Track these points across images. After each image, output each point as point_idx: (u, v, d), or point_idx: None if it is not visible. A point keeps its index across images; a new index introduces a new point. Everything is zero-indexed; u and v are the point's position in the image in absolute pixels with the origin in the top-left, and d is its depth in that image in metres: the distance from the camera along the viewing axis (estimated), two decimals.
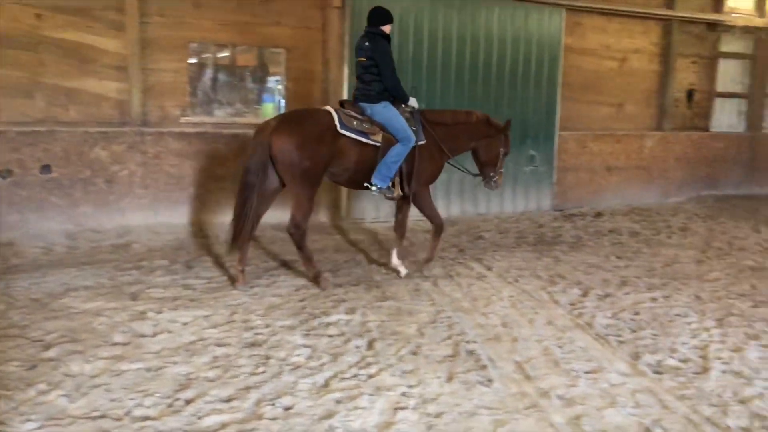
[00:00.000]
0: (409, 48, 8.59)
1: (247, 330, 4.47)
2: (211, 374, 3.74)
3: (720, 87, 11.85)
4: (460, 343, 4.31)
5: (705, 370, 3.95)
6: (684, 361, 4.10)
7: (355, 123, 5.57)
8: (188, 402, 3.40)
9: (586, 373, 3.88)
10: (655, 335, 4.55)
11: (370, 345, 4.26)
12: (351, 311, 4.93)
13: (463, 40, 8.88)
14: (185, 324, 4.54)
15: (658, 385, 3.73)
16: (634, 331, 4.63)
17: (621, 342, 4.42)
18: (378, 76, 5.60)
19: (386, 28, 5.68)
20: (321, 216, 8.42)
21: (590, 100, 10.25)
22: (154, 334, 4.33)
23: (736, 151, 11.92)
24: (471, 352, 4.17)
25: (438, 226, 6.10)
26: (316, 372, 3.81)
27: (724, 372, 3.91)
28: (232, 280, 5.61)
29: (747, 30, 11.74)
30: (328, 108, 5.64)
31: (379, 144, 5.62)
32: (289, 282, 5.70)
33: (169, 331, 4.39)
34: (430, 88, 8.77)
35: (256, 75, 8.28)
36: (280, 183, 5.49)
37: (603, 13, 10.10)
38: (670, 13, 10.58)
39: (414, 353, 4.13)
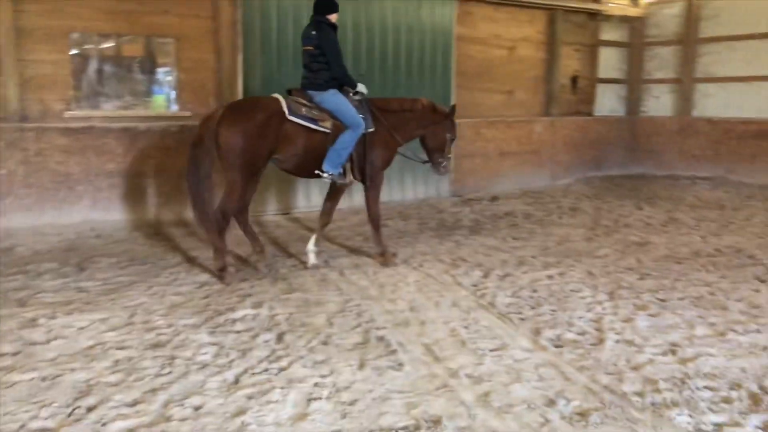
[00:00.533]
0: (299, 38, 8.48)
1: (149, 331, 4.30)
2: (113, 378, 3.57)
3: (601, 73, 12.53)
4: (370, 330, 4.34)
5: (600, 341, 4.18)
6: (581, 333, 4.32)
7: (303, 110, 5.60)
8: (90, 409, 3.23)
9: (492, 351, 4.01)
10: (553, 311, 4.76)
11: (279, 338, 4.21)
12: (258, 305, 4.85)
13: (357, 30, 8.89)
14: (81, 329, 4.31)
15: (558, 358, 3.91)
16: (533, 308, 4.82)
17: (522, 319, 4.60)
18: (325, 65, 5.64)
19: (332, 17, 5.75)
20: None
21: (483, 88, 10.55)
22: (48, 341, 4.08)
23: (617, 134, 12.67)
24: (381, 338, 4.21)
25: (374, 219, 6.10)
26: (225, 369, 3.73)
27: (617, 342, 4.15)
28: (221, 278, 5.44)
29: (623, 19, 12.46)
30: (276, 95, 5.65)
31: (328, 131, 5.64)
32: (192, 279, 5.53)
33: (64, 337, 4.15)
34: None
35: (144, 66, 7.93)
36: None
37: (492, 2, 10.41)
38: (553, 2, 11.04)
39: (324, 343, 4.12)
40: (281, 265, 6.02)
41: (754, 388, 3.44)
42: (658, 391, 3.44)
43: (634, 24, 12.67)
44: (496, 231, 7.61)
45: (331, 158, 5.63)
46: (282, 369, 3.73)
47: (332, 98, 5.68)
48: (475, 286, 5.42)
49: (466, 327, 4.42)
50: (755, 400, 3.31)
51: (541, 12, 11.10)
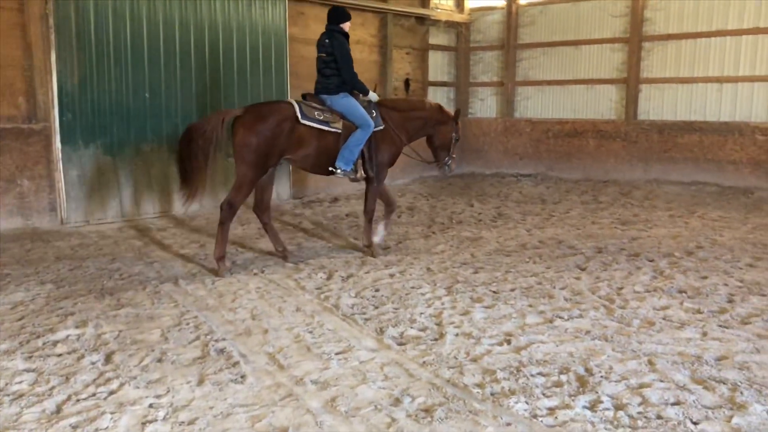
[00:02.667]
0: (126, 35, 7.97)
1: None
2: None
3: (432, 76, 13.01)
4: (209, 343, 4.12)
5: (441, 335, 4.28)
6: (423, 329, 4.40)
7: (315, 113, 6.02)
8: None
9: (337, 354, 3.97)
10: (395, 309, 4.82)
11: (108, 359, 3.87)
12: (82, 324, 4.44)
13: (185, 27, 8.50)
14: None
15: (402, 356, 3.94)
16: (377, 308, 4.85)
17: (366, 319, 4.60)
18: (337, 71, 6.11)
19: (345, 26, 6.24)
20: (35, 221, 7.48)
21: None
22: None
23: None
24: (221, 351, 4.01)
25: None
26: (45, 398, 3.35)
27: (457, 335, 4.28)
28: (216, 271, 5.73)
29: (450, 24, 13.03)
30: (290, 100, 6.09)
31: (339, 131, 6.08)
32: (2, 299, 4.95)
33: None
34: (153, 77, 8.25)
35: None
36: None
37: (324, 4, 10.39)
38: (384, 6, 11.29)
39: (159, 360, 3.85)
40: (106, 278, 5.58)
41: (581, 370, 3.68)
42: (496, 380, 3.56)
43: (460, 29, 13.30)
44: (338, 232, 7.61)
45: (343, 155, 6.09)
46: (112, 392, 3.43)
47: (343, 101, 6.14)
48: (318, 289, 5.35)
49: (310, 332, 4.34)
50: (582, 382, 3.54)
51: (372, 15, 11.31)
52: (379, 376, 3.66)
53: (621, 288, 5.31)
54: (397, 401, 3.36)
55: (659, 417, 3.14)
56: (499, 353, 3.96)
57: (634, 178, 11.42)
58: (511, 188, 11.11)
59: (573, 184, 11.33)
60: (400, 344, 4.14)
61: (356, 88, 6.21)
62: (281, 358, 3.90)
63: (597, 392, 3.40)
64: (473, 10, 13.40)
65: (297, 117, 5.89)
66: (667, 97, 11.31)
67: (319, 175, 6.50)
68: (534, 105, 12.94)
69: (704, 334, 4.25)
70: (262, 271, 5.85)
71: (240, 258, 6.34)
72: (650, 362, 3.78)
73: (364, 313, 4.73)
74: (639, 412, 3.19)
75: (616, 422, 3.09)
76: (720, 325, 4.41)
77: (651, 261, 6.18)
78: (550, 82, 12.61)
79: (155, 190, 8.42)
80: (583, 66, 12.20)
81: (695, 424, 3.07)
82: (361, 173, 6.29)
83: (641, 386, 3.47)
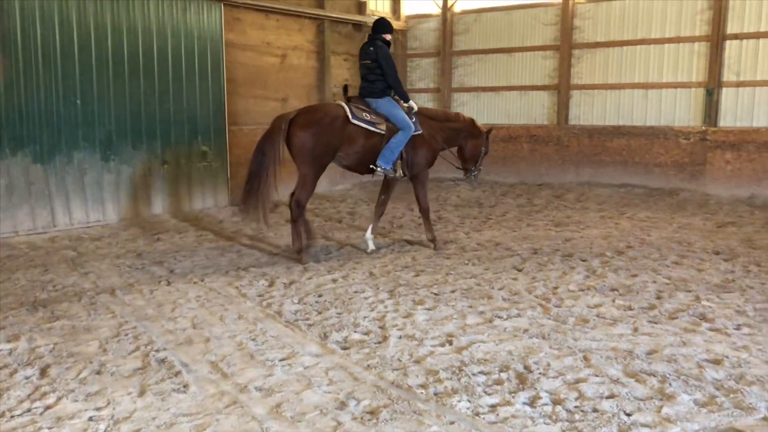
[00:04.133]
0: (55, 39, 7.73)
1: None
2: None
3: None
4: (150, 353, 4.05)
5: (385, 338, 4.33)
6: (366, 333, 4.44)
7: (364, 114, 6.51)
8: None
9: (281, 360, 3.96)
10: (339, 313, 4.84)
11: (43, 372, 3.76)
12: (14, 338, 4.29)
13: (118, 32, 8.31)
14: None
15: (347, 360, 3.97)
16: (320, 313, 4.86)
17: (310, 325, 4.61)
18: (381, 76, 6.59)
19: (387, 36, 6.73)
20: None
21: (256, 95, 10.46)
22: None
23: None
24: (162, 361, 3.94)
25: (424, 210, 7.04)
26: None
27: (400, 338, 4.34)
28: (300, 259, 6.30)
29: None
30: (340, 102, 6.62)
31: (383, 132, 6.57)
32: None
33: None
34: (85, 83, 8.03)
35: None
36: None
37: (260, 10, 10.36)
38: (320, 12, 11.31)
39: (98, 372, 3.76)
40: (39, 290, 5.40)
41: (520, 368, 3.80)
42: (439, 381, 3.64)
43: (397, 36, 13.44)
44: (278, 239, 7.58)
45: (384, 155, 6.57)
46: (48, 407, 3.33)
47: (387, 104, 6.63)
48: (260, 296, 5.33)
49: (253, 339, 4.32)
50: (522, 379, 3.65)
51: (309, 21, 11.31)
52: (324, 380, 3.68)
53: (556, 287, 5.49)
54: (342, 404, 3.38)
55: (595, 410, 3.27)
56: (441, 354, 4.04)
57: (567, 181, 11.78)
58: (449, 192, 11.29)
59: (509, 188, 11.60)
60: (345, 348, 4.17)
61: (398, 93, 6.73)
62: (224, 366, 3.87)
63: (536, 388, 3.52)
64: (409, 18, 13.58)
65: (348, 117, 6.39)
66: (597, 102, 11.73)
67: (359, 173, 6.99)
68: (469, 111, 13.15)
69: (635, 329, 4.44)
70: (202, 280, 5.78)
71: (178, 266, 6.25)
72: (585, 358, 3.92)
73: (308, 319, 4.74)
74: (576, 406, 3.31)
75: (554, 417, 3.21)
76: (649, 321, 4.62)
77: (584, 261, 6.40)
78: (485, 89, 12.89)
79: (88, 199, 8.18)
80: (516, 73, 12.52)
81: (628, 415, 3.22)
82: (400, 173, 6.77)
83: (577, 381, 3.60)
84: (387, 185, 7.15)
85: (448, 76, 13.25)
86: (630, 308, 4.91)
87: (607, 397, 3.41)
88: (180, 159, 9.12)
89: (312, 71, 11.46)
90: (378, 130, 6.56)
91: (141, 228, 8.09)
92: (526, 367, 3.81)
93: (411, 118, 6.72)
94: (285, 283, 5.67)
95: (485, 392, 3.49)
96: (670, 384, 3.55)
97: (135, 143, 8.62)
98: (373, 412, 3.29)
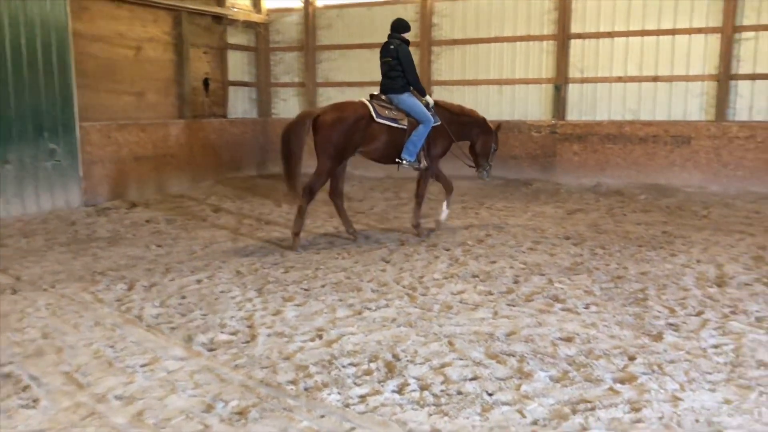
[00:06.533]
0: None
1: None
2: None
3: (232, 76, 12.79)
4: None
5: (253, 337, 4.25)
6: (234, 333, 4.34)
7: (386, 112, 6.86)
8: None
9: (143, 366, 3.78)
10: (204, 315, 4.69)
11: None
12: None
13: None
14: None
15: (213, 362, 3.86)
16: (184, 315, 4.69)
17: (173, 328, 4.43)
18: (401, 73, 6.93)
19: (406, 35, 7.11)
20: None
21: (109, 89, 9.90)
22: None
23: (252, 136, 13.09)
24: (8, 375, 3.63)
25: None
26: None
27: (269, 335, 4.27)
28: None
29: (248, 24, 12.90)
30: (364, 100, 6.89)
31: (405, 127, 6.91)
32: None
33: None
34: None
35: None
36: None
37: None
38: (177, 3, 10.89)
39: None
40: None
41: (389, 357, 3.87)
42: (309, 375, 3.62)
43: (259, 29, 13.22)
44: (137, 240, 7.22)
45: (408, 148, 6.91)
46: None
47: (408, 99, 6.96)
48: (119, 300, 5.05)
49: (112, 346, 4.09)
50: (390, 367, 3.72)
51: (165, 12, 10.85)
52: (189, 384, 3.55)
53: (422, 276, 5.64)
54: (209, 407, 3.28)
55: (459, 392, 3.39)
56: (311, 349, 4.03)
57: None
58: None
59: (377, 182, 11.77)
60: (211, 350, 4.05)
61: (417, 89, 7.06)
62: (80, 376, 3.64)
63: (404, 376, 3.60)
64: (271, 11, 13.39)
65: (372, 116, 6.72)
66: (456, 98, 12.11)
67: (384, 164, 7.36)
68: None
69: (495, 313, 4.67)
70: (53, 287, 5.39)
71: (26, 273, 5.78)
72: (450, 343, 4.07)
73: (171, 322, 4.55)
74: (442, 390, 3.42)
75: (422, 402, 3.30)
76: (508, 304, 4.87)
77: (447, 250, 6.63)
78: (350, 84, 12.98)
79: None
80: (378, 69, 12.68)
81: (490, 395, 3.37)
82: (424, 163, 7.11)
83: (443, 366, 3.72)
84: (420, 177, 7.44)
85: (313, 70, 13.21)
86: (490, 293, 5.15)
87: (471, 379, 3.55)
88: (24, 158, 8.44)
89: (170, 64, 11.00)
90: (400, 126, 6.90)
91: (5, 227, 7.42)
92: (394, 356, 3.88)
93: (429, 111, 7.04)
94: (145, 286, 5.41)
95: (355, 383, 3.52)
96: (527, 363, 3.75)
97: None
98: (241, 413, 3.22)
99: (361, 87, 12.84)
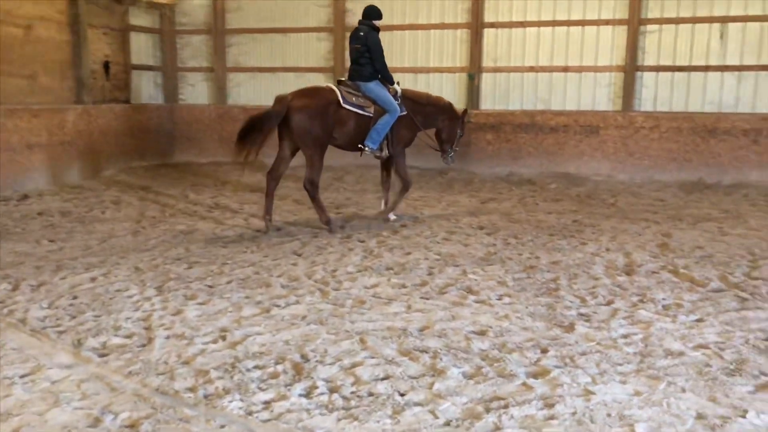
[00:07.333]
0: None
1: None
2: None
3: (135, 60, 12.12)
4: None
5: (150, 340, 3.93)
6: (129, 336, 4.01)
7: (354, 98, 6.88)
8: None
9: (23, 377, 3.42)
10: (97, 316, 4.33)
11: None
12: None
13: None
14: None
15: (104, 369, 3.53)
16: (74, 317, 4.31)
17: (61, 332, 4.05)
18: (370, 60, 6.93)
19: (377, 23, 7.12)
20: None
21: None
22: None
23: (158, 123, 12.48)
24: None
25: (406, 184, 7.47)
26: None
27: (167, 338, 3.97)
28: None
29: (153, 5, 12.25)
30: (331, 86, 6.97)
31: (371, 115, 6.92)
32: None
33: None
34: None
35: None
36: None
37: None
38: None
39: None
40: None
41: (297, 358, 3.65)
42: (210, 381, 3.37)
43: (164, 11, 12.57)
44: (27, 234, 6.68)
45: (372, 136, 6.95)
46: None
47: (375, 88, 6.96)
48: (1, 302, 4.60)
49: None
50: (298, 369, 3.51)
51: None
52: (75, 395, 3.22)
53: (335, 270, 5.45)
54: (96, 421, 2.98)
55: (371, 394, 3.23)
56: (213, 351, 3.76)
57: (346, 163, 11.89)
58: (228, 177, 10.86)
59: (289, 171, 11.43)
60: (102, 356, 3.71)
61: (386, 77, 7.04)
62: None
63: (312, 378, 3.40)
64: None
65: (339, 101, 6.74)
66: None
67: (348, 151, 7.34)
68: (247, 92, 12.81)
69: (409, 307, 4.53)
70: None
71: None
72: (362, 340, 3.90)
73: (59, 326, 4.17)
74: (352, 392, 3.25)
75: (330, 406, 3.11)
76: (422, 297, 4.75)
77: (362, 242, 6.46)
78: (261, 69, 12.58)
79: None
80: (292, 54, 12.38)
81: (402, 395, 3.22)
82: (386, 152, 7.15)
83: (354, 365, 3.55)
84: (385, 164, 7.51)
85: (222, 55, 12.71)
86: (404, 286, 5.02)
87: (383, 379, 3.39)
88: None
89: (65, 45, 10.25)
90: (366, 113, 6.91)
91: None
92: (303, 356, 3.68)
93: (396, 101, 7.05)
94: (33, 286, 4.96)
95: (259, 388, 3.30)
96: (441, 359, 3.63)
97: None
98: (132, 425, 2.94)
99: (274, 72, 12.50)
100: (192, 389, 3.29)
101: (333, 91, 6.88)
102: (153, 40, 12.65)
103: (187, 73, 13.05)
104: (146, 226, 7.14)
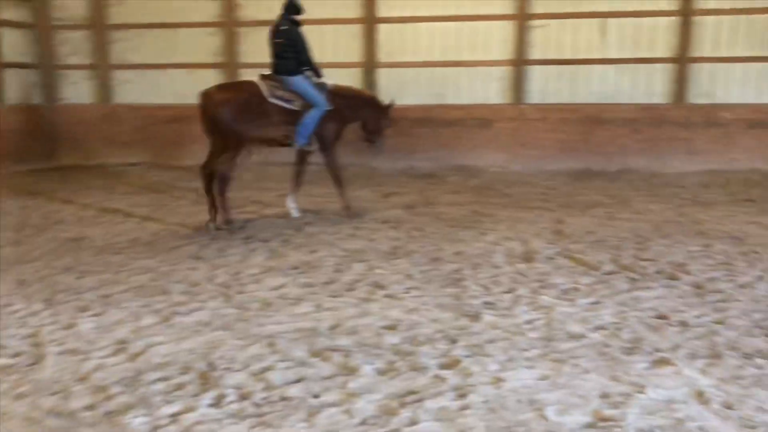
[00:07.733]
0: None
1: None
2: None
3: (6, 57, 11.30)
4: None
5: (40, 358, 3.65)
6: (16, 355, 3.70)
7: (278, 92, 6.77)
8: None
9: None
10: None
11: None
12: None
13: None
14: None
15: None
16: None
17: None
18: (294, 54, 6.83)
19: (298, 17, 7.00)
20: None
21: None
22: None
23: (36, 124, 11.69)
24: None
25: (340, 178, 7.46)
26: None
27: (60, 354, 3.70)
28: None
29: None
30: (254, 80, 6.83)
31: (298, 109, 6.83)
32: None
33: None
34: None
35: None
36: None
37: None
38: None
39: None
40: None
41: (203, 366, 3.49)
42: (110, 397, 3.16)
43: (37, 4, 11.77)
44: None
45: (300, 132, 6.89)
46: None
47: (301, 82, 6.88)
48: None
49: None
50: (205, 378, 3.36)
51: None
52: None
53: (238, 273, 5.28)
54: None
55: (283, 398, 3.14)
56: (112, 365, 3.54)
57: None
58: (117, 179, 10.33)
59: (185, 172, 11.03)
60: None
61: (313, 69, 7.00)
62: None
63: (221, 386, 3.27)
64: None
65: (263, 95, 6.67)
66: None
67: (275, 147, 7.26)
68: (134, 90, 12.22)
69: (318, 306, 4.46)
70: None
71: None
72: (271, 344, 3.79)
73: None
74: (263, 398, 3.15)
75: (241, 414, 3.00)
76: (330, 295, 4.69)
77: (265, 242, 6.31)
78: (149, 66, 12.04)
79: None
80: (181, 49, 11.91)
81: (316, 397, 3.16)
82: (315, 146, 7.15)
83: (264, 370, 3.44)
84: (301, 158, 7.45)
85: (106, 51, 12.05)
86: (312, 285, 4.94)
87: (295, 382, 3.31)
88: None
89: None
90: (293, 107, 6.84)
91: None
92: (209, 365, 3.53)
93: (321, 93, 6.97)
94: None
95: (165, 401, 3.13)
96: (353, 357, 3.59)
97: None
98: None
99: (163, 69, 12.02)
100: (90, 407, 3.08)
101: (256, 84, 6.80)
102: (27, 36, 11.81)
103: (67, 71, 12.29)
104: (30, 236, 6.65)
